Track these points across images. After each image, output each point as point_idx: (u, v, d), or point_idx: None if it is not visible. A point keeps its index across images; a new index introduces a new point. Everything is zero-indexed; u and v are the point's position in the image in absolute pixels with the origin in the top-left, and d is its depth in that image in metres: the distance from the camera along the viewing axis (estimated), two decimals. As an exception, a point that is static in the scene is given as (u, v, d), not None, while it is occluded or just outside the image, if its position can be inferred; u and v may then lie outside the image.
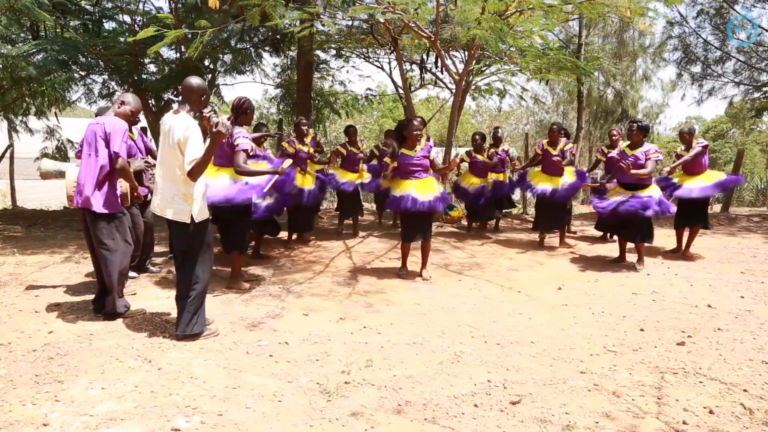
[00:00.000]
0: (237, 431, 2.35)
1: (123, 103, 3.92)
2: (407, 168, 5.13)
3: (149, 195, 4.72)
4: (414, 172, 5.13)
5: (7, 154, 10.58)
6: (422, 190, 5.03)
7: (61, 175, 4.22)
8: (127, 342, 3.35)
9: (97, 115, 4.36)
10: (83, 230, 4.21)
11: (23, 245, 6.38)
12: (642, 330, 3.75)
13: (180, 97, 3.38)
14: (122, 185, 3.88)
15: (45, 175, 4.26)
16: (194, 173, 3.19)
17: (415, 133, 5.07)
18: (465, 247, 6.79)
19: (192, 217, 3.27)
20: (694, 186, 6.13)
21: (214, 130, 3.07)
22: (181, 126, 3.20)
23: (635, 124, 5.64)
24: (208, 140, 3.19)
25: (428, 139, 5.28)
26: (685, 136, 6.24)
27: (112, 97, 9.29)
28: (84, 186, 3.64)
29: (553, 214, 6.68)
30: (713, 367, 3.09)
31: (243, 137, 4.35)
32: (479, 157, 7.41)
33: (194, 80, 3.34)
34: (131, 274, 4.96)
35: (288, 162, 4.83)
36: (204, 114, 3.26)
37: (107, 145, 3.64)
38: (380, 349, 3.33)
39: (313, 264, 5.76)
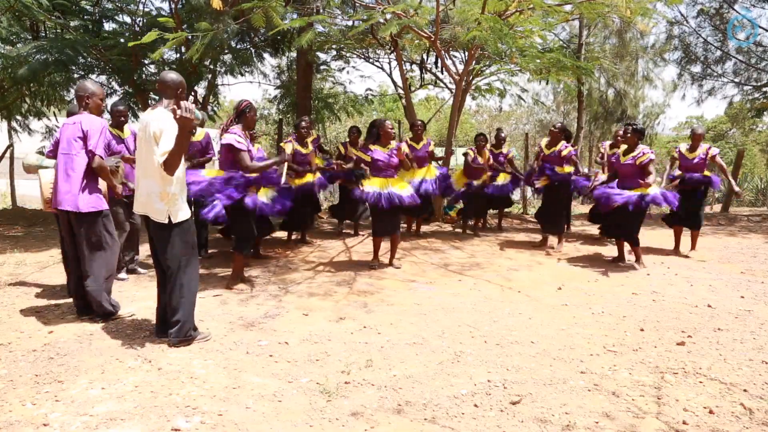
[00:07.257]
0: (237, 431, 2.35)
1: (89, 97, 3.73)
2: (377, 165, 5.41)
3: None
4: (382, 170, 5.41)
5: (7, 154, 10.59)
6: (389, 187, 5.32)
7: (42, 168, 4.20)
8: (127, 342, 3.35)
9: (68, 113, 4.21)
10: (61, 233, 4.16)
11: (23, 245, 6.38)
12: (642, 330, 3.75)
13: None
14: (101, 183, 3.85)
15: (28, 169, 4.21)
16: (168, 165, 3.02)
17: (388, 131, 5.42)
18: (465, 247, 6.79)
19: (169, 217, 3.16)
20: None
21: (177, 116, 2.90)
22: (156, 120, 3.11)
23: (629, 128, 5.67)
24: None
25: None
26: (698, 136, 6.18)
27: (111, 96, 9.27)
28: (66, 187, 3.60)
29: (549, 217, 6.67)
30: (713, 367, 3.09)
31: (229, 133, 4.36)
32: (479, 158, 7.39)
33: (168, 75, 3.27)
34: (121, 275, 4.93)
35: (288, 147, 4.86)
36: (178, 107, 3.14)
37: (85, 144, 3.61)
38: (380, 349, 3.33)
39: (312, 264, 5.76)
